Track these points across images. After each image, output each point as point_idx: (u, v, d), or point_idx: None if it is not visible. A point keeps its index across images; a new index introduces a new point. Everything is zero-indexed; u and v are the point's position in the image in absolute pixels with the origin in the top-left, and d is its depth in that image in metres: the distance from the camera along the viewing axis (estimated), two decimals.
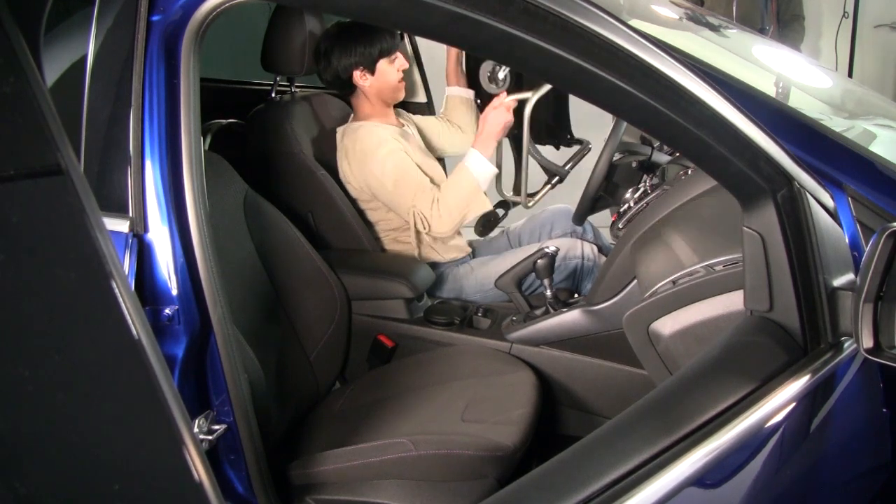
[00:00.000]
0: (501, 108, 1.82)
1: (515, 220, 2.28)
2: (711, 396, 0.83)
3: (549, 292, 1.71)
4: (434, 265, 1.99)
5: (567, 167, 2.01)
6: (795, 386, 0.85)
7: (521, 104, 1.84)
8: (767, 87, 1.37)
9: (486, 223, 2.02)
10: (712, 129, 0.83)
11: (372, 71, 1.93)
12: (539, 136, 2.05)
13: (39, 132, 0.48)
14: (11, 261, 0.47)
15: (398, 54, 1.96)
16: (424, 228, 1.87)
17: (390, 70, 1.95)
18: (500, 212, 2.08)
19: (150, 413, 0.52)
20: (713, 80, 0.84)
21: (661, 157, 1.72)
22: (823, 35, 4.05)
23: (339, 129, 1.98)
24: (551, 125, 2.07)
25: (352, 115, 2.05)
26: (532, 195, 2.01)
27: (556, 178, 2.02)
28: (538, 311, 1.73)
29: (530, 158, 1.95)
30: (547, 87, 1.81)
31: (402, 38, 2.22)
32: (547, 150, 2.09)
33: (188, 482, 0.52)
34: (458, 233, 2.13)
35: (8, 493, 0.46)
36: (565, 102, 2.07)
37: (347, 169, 1.92)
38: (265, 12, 2.18)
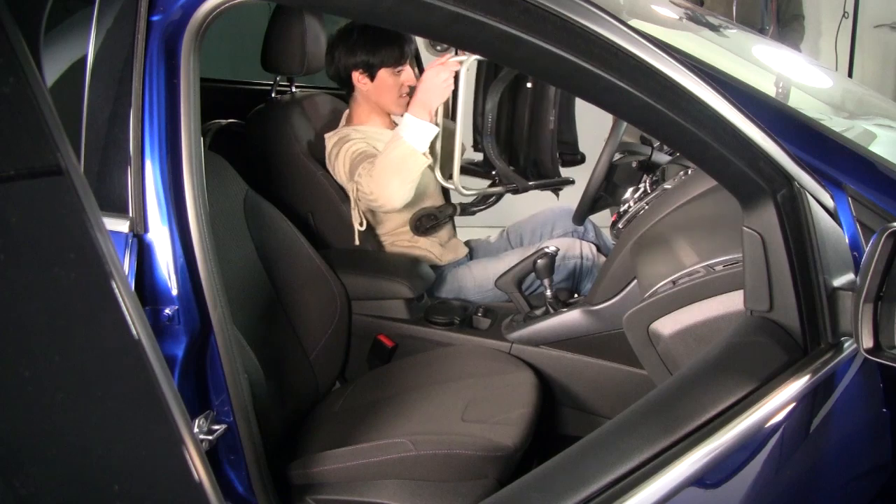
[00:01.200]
0: (439, 69, 1.70)
1: (509, 220, 2.27)
2: (711, 396, 0.83)
3: (549, 292, 1.71)
4: (433, 266, 1.99)
5: (530, 183, 1.90)
6: (795, 386, 0.85)
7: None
8: (767, 87, 1.37)
9: (420, 222, 1.93)
10: (712, 129, 0.83)
11: (371, 77, 1.90)
12: (525, 171, 1.96)
13: (39, 132, 0.48)
14: (11, 261, 0.47)
15: (405, 68, 1.91)
16: (366, 196, 1.79)
17: (392, 81, 1.90)
18: (443, 214, 1.97)
19: (150, 413, 0.52)
20: (713, 80, 0.84)
21: (661, 157, 1.72)
22: (823, 35, 4.05)
23: (328, 136, 1.95)
24: (540, 161, 1.96)
25: (344, 117, 2.03)
26: (489, 186, 1.87)
27: (512, 187, 1.90)
28: (538, 311, 1.73)
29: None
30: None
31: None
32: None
33: (188, 482, 0.52)
34: (455, 234, 2.13)
35: (8, 493, 0.46)
36: (554, 142, 1.96)
37: (332, 171, 1.92)
38: (265, 12, 2.18)
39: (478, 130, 1.99)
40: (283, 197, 1.87)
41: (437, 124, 1.78)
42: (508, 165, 1.94)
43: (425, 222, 1.95)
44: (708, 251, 1.15)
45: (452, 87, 1.73)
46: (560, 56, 0.75)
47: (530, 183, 1.90)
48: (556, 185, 1.96)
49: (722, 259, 1.11)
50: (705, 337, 1.11)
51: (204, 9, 1.10)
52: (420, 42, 1.76)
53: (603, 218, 1.97)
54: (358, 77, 1.91)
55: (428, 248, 1.99)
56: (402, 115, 2.01)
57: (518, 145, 1.94)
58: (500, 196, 2.03)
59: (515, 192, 1.92)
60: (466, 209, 2.06)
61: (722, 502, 0.87)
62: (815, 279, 0.88)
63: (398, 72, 1.90)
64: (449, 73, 1.70)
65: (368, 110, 1.97)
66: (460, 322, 1.82)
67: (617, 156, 1.69)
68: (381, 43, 1.86)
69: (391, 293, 1.83)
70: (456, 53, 1.74)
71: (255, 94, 2.29)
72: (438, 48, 1.75)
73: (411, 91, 1.94)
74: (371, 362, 1.85)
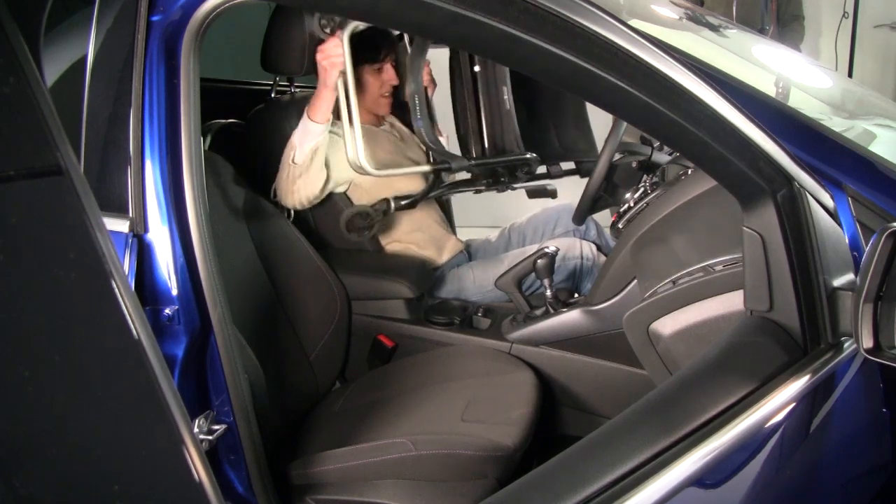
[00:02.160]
0: (319, 55, 1.68)
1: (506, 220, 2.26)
2: (711, 396, 0.83)
3: (549, 292, 1.71)
4: (433, 267, 1.99)
5: (472, 162, 1.74)
6: (795, 386, 0.85)
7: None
8: (767, 87, 1.37)
9: (352, 222, 1.83)
10: (712, 129, 0.83)
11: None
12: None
13: (39, 132, 0.48)
14: (11, 261, 0.47)
15: (387, 66, 1.91)
16: (278, 197, 1.80)
17: (371, 79, 1.90)
18: (378, 211, 1.85)
19: (150, 413, 0.52)
20: (713, 80, 0.84)
21: (661, 157, 1.72)
22: (823, 35, 4.05)
23: None
24: (507, 150, 1.83)
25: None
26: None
27: (444, 166, 1.73)
28: (538, 311, 1.73)
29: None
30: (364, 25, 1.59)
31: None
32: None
33: (188, 482, 0.52)
34: (450, 230, 2.12)
35: (8, 493, 0.46)
36: (514, 123, 1.85)
37: None
38: (265, 12, 2.18)
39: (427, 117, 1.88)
40: None
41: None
42: (483, 157, 1.85)
43: (357, 222, 1.85)
44: (708, 251, 1.15)
45: (338, 67, 1.66)
46: (560, 56, 0.75)
47: (471, 161, 1.77)
48: (517, 162, 1.83)
49: (722, 259, 1.11)
50: (705, 337, 1.11)
51: (204, 9, 1.10)
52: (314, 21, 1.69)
53: (604, 217, 1.97)
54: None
55: (422, 249, 1.99)
56: (385, 115, 2.01)
57: (482, 133, 1.87)
58: (437, 182, 1.87)
59: (449, 170, 1.79)
60: (398, 203, 1.87)
61: (722, 502, 0.87)
62: (815, 279, 0.88)
63: (378, 70, 1.91)
64: (324, 55, 1.66)
65: None
66: (460, 322, 1.82)
67: (617, 156, 1.69)
68: (360, 41, 1.83)
69: (391, 293, 1.83)
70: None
71: (255, 94, 2.29)
72: (328, 30, 1.67)
73: (393, 90, 1.95)
74: (371, 362, 1.85)
